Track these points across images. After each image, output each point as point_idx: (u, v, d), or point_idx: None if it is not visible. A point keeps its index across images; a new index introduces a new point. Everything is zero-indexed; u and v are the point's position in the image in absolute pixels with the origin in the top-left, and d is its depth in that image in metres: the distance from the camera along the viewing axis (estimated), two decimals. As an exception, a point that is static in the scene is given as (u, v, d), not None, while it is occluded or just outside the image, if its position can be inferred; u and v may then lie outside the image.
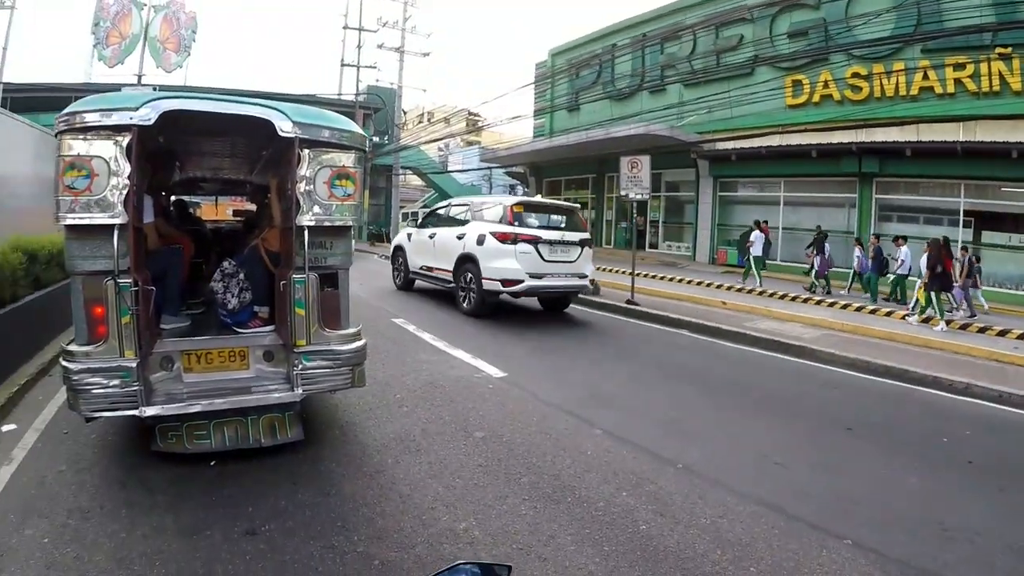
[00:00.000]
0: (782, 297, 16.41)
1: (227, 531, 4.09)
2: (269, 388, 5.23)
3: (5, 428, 5.93)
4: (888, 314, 14.46)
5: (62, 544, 3.88)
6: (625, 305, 14.10)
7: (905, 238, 16.75)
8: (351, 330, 5.40)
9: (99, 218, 4.39)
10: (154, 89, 5.47)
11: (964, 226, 18.11)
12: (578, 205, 14.09)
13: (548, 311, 13.54)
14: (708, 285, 18.38)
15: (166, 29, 38.19)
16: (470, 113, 50.10)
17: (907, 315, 14.06)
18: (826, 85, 20.93)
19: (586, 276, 12.43)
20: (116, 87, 30.53)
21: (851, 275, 18.17)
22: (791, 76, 21.77)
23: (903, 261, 16.16)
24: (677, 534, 4.23)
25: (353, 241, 5.64)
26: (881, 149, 19.02)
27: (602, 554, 3.96)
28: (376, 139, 39.35)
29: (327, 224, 5.12)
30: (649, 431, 6.29)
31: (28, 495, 4.55)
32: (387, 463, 5.29)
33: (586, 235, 12.63)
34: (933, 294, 13.38)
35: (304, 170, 4.97)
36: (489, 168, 45.36)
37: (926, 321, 13.46)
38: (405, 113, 42.29)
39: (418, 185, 56.27)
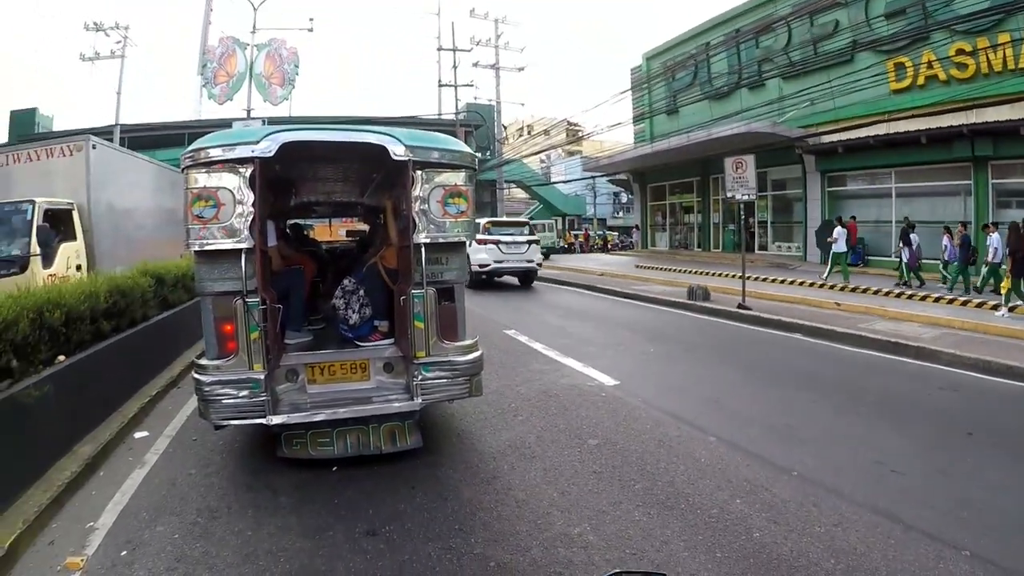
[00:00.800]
0: (898, 296, 15.73)
1: (348, 531, 4.36)
2: (389, 398, 5.50)
3: (138, 435, 6.50)
4: (979, 305, 13.80)
5: (191, 540, 4.25)
6: (736, 310, 13.94)
7: (996, 224, 15.74)
8: (468, 341, 5.60)
9: (227, 243, 4.76)
10: (263, 123, 5.80)
11: None
12: (527, 220, 24.67)
13: (522, 284, 20.98)
14: (820, 286, 17.79)
15: (270, 65, 40.32)
16: (569, 123, 50.10)
17: (997, 305, 13.36)
18: (930, 65, 19.73)
19: (533, 261, 20.31)
20: (227, 122, 32.62)
21: (941, 266, 17.41)
22: (892, 59, 20.69)
23: (996, 249, 14.98)
24: (791, 542, 4.21)
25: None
26: (994, 130, 17.75)
27: (715, 560, 4.00)
28: (478, 155, 39.84)
29: (442, 241, 5.35)
30: (763, 438, 6.25)
31: (160, 495, 5.01)
32: (503, 469, 5.48)
33: (534, 237, 20.64)
34: (1012, 280, 13.00)
35: (418, 190, 5.20)
36: (592, 177, 45.23)
37: (1012, 310, 12.80)
38: (505, 128, 42.63)
39: (522, 198, 56.67)
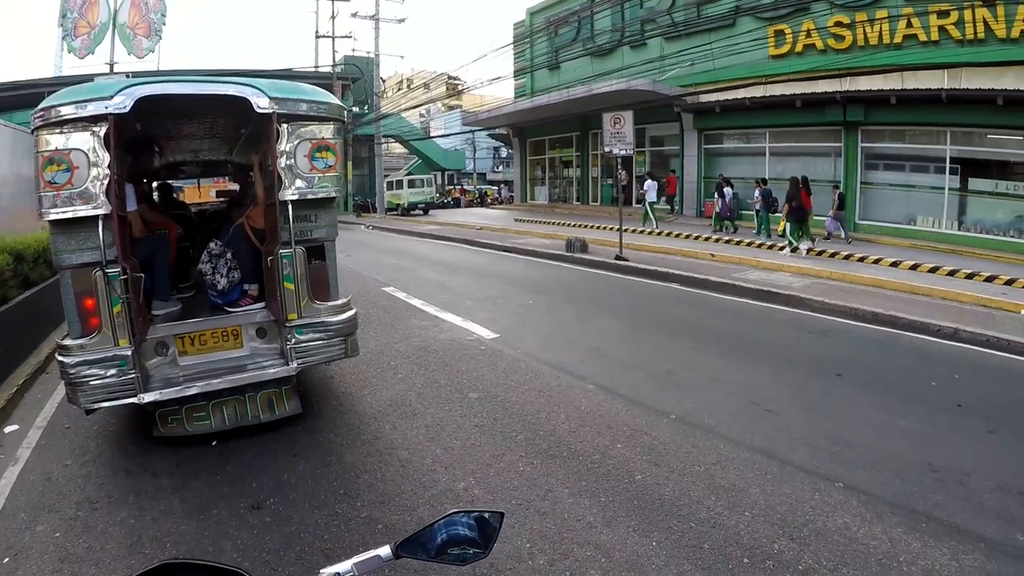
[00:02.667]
0: (770, 248, 16.48)
1: (233, 507, 4.19)
2: (264, 364, 5.29)
3: (8, 429, 5.95)
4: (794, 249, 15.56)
5: (73, 536, 3.96)
6: (614, 261, 14.21)
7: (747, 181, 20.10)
8: (341, 301, 5.43)
9: (83, 210, 4.37)
10: (127, 76, 5.36)
11: (951, 173, 17.82)
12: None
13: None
14: (696, 238, 18.49)
15: (135, 15, 37.03)
16: (450, 77, 49.74)
17: (796, 248, 15.49)
18: (809, 34, 20.50)
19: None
20: (89, 78, 29.60)
21: (754, 215, 19.67)
22: (773, 26, 21.34)
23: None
24: (672, 483, 4.33)
25: (337, 213, 5.66)
26: (866, 98, 18.66)
27: (599, 505, 4.07)
28: (356, 109, 39.09)
29: (310, 197, 5.11)
30: (642, 384, 6.38)
31: (36, 492, 4.62)
32: (385, 429, 5.39)
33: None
34: (790, 225, 15.51)
35: (284, 145, 4.94)
36: (471, 131, 45.04)
37: (794, 251, 15.31)
38: (384, 81, 41.75)
39: (401, 153, 56.02)
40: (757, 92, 20.81)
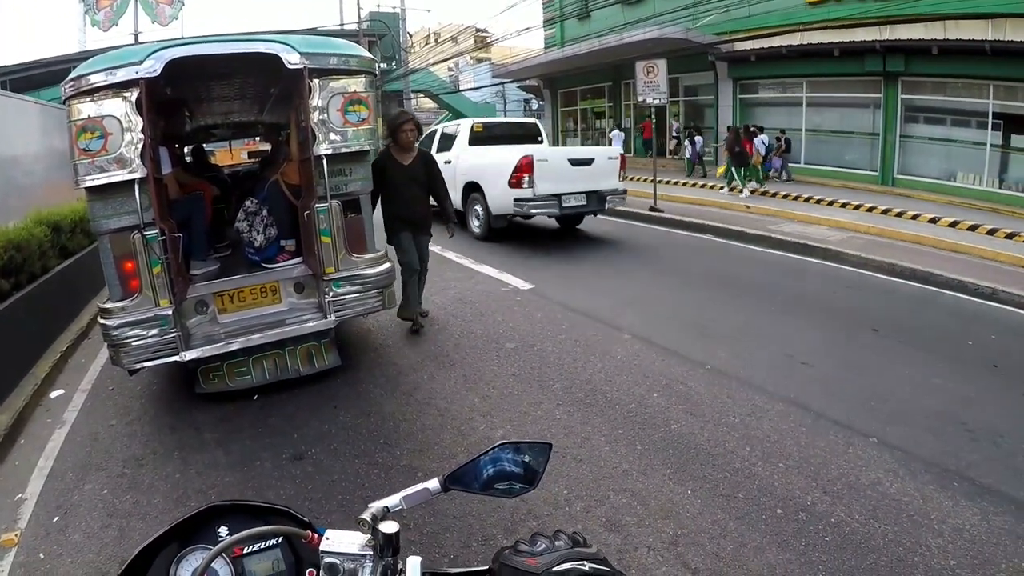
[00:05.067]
0: (807, 200, 16.17)
1: (275, 459, 4.30)
2: (303, 318, 5.35)
3: (54, 394, 6.12)
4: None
5: (121, 493, 4.10)
6: (648, 212, 14.08)
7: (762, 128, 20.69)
8: (377, 253, 5.47)
9: (118, 175, 4.41)
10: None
11: (993, 129, 17.07)
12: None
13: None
14: (731, 190, 18.17)
15: None
16: (477, 30, 48.91)
17: (722, 188, 18.01)
18: (847, -20, 19.93)
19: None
20: (114, 49, 28.89)
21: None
22: (810, -29, 20.77)
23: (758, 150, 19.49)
24: (707, 432, 4.35)
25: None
26: (906, 47, 17.87)
27: (635, 453, 4.11)
28: (384, 65, 38.67)
29: (344, 151, 5.11)
30: (678, 334, 6.36)
31: (83, 452, 4.77)
32: (423, 380, 5.47)
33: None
34: (734, 169, 17.72)
35: (316, 100, 4.93)
36: (501, 84, 44.48)
37: (735, 191, 17.41)
38: (411, 36, 41.26)
39: (431, 107, 55.51)
40: (794, 40, 20.20)
